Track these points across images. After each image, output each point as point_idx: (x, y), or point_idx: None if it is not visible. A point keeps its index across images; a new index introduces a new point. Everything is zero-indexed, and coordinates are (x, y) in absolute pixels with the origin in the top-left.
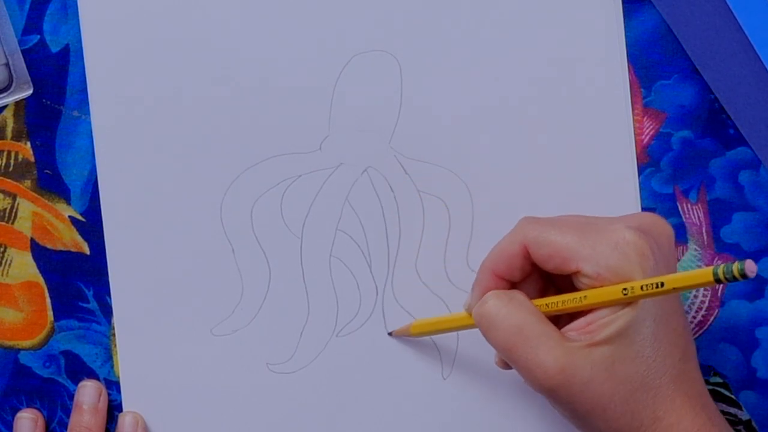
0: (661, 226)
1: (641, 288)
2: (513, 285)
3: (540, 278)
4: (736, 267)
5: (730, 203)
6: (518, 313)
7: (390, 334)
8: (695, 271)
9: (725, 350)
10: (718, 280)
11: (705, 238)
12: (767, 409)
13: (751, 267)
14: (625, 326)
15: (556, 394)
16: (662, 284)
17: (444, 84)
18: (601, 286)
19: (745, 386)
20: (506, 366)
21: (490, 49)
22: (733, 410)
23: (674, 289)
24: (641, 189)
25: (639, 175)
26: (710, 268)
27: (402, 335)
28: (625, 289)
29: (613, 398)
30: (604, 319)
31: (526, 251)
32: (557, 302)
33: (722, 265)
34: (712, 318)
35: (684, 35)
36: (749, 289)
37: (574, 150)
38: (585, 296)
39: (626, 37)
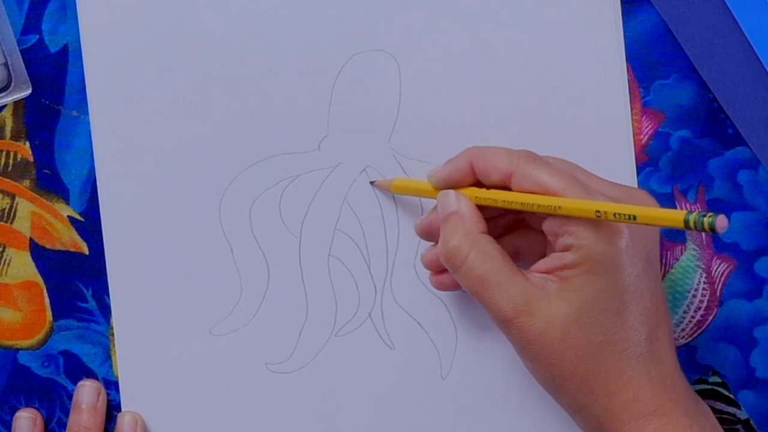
0: (648, 201)
1: (614, 215)
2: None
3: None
4: (707, 219)
5: (729, 203)
6: (483, 261)
7: (372, 183)
8: (669, 210)
9: (724, 350)
10: (687, 226)
11: (703, 237)
12: (766, 409)
13: (722, 223)
14: (583, 288)
15: (510, 334)
16: (634, 217)
17: (443, 83)
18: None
19: (744, 386)
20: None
21: (489, 49)
22: (731, 410)
23: (646, 223)
24: (640, 188)
25: (638, 175)
26: (683, 212)
27: (382, 187)
28: (598, 211)
29: (563, 357)
30: (565, 272)
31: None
32: (533, 203)
33: (695, 213)
34: (710, 318)
35: (683, 35)
36: (748, 288)
37: (573, 149)
38: (559, 206)
39: (625, 36)
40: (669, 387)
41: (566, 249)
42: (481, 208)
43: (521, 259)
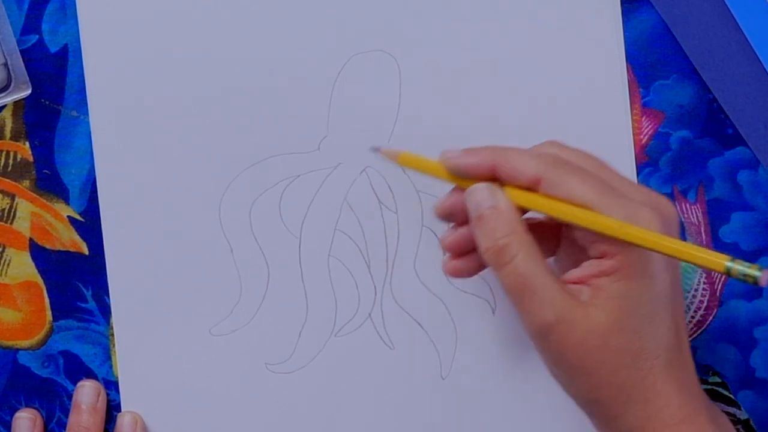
0: (669, 208)
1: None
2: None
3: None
4: (750, 272)
5: (729, 203)
6: (530, 262)
7: (377, 149)
8: (711, 253)
9: (724, 350)
10: (728, 273)
11: (704, 237)
12: (766, 409)
13: (765, 277)
14: (621, 294)
15: (547, 344)
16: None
17: (443, 84)
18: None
19: (744, 386)
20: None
21: (489, 49)
22: (731, 410)
23: (683, 259)
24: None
25: (638, 175)
26: (725, 260)
27: (388, 157)
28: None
29: (603, 366)
30: (601, 280)
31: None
32: (568, 214)
33: (737, 265)
34: (710, 318)
35: (682, 35)
36: (748, 288)
37: None
38: (596, 224)
39: (625, 36)
40: (694, 395)
41: (602, 256)
42: None
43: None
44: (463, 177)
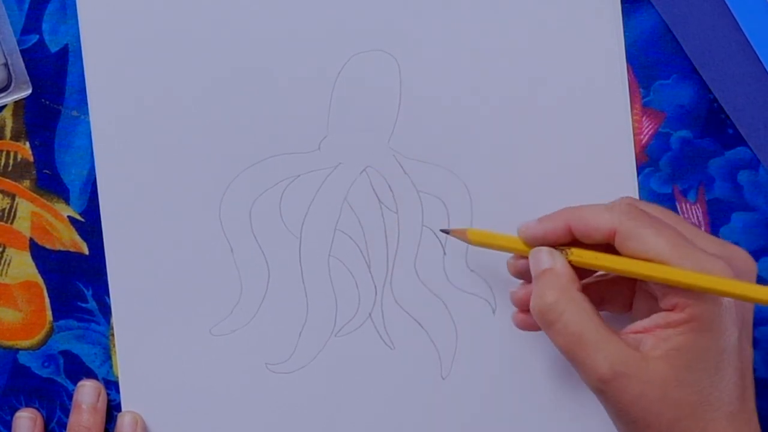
0: (748, 261)
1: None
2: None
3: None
4: None
5: (729, 203)
6: (579, 319)
7: (446, 231)
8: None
9: None
10: None
11: None
12: (766, 409)
13: None
14: (685, 347)
15: (606, 397)
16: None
17: (443, 83)
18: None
19: None
20: (527, 327)
21: (489, 49)
22: None
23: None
24: (640, 189)
25: (638, 175)
26: None
27: (457, 237)
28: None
29: (661, 418)
30: (668, 331)
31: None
32: (642, 273)
33: None
34: None
35: (683, 35)
36: None
37: (574, 150)
38: (675, 280)
39: (625, 36)
40: None
41: (672, 308)
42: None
43: (605, 307)
44: (543, 245)
